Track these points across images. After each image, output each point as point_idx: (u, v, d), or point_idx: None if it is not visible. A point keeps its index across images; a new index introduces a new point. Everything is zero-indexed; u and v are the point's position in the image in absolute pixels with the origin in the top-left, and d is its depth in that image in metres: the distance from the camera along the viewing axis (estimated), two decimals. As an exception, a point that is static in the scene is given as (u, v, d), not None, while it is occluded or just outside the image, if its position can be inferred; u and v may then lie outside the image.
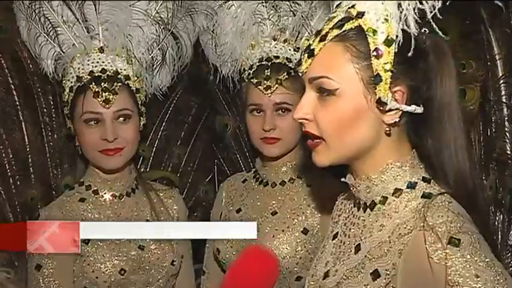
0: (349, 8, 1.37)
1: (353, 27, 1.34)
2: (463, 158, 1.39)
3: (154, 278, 2.13)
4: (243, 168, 2.63)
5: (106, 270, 2.05)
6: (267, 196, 2.19)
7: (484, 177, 2.07)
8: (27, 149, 2.36)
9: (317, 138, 1.39)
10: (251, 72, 2.17)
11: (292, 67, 2.13)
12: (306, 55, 1.40)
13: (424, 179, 1.39)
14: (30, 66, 2.28)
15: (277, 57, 2.16)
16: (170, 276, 2.19)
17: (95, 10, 2.13)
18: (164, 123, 2.65)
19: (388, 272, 1.31)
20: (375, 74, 1.32)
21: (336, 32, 1.36)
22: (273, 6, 2.21)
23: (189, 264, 2.33)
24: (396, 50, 1.31)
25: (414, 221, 1.32)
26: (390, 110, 1.33)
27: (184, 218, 2.34)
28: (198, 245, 2.43)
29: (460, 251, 1.23)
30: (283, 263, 2.05)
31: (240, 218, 2.20)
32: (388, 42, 1.31)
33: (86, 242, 2.07)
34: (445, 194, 1.35)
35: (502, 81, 2.04)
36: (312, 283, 1.54)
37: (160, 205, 2.25)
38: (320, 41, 1.37)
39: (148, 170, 2.60)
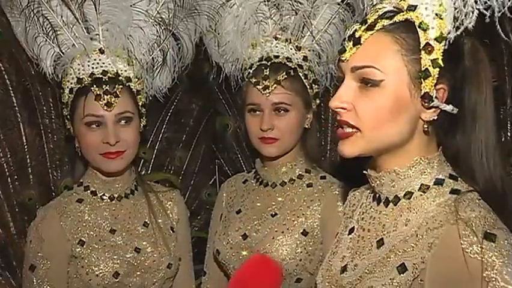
0: (400, 0, 1.36)
1: (403, 19, 1.34)
2: (494, 163, 1.39)
3: (149, 281, 2.11)
4: (244, 168, 2.62)
5: (100, 273, 2.03)
6: (267, 197, 2.19)
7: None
8: (26, 150, 2.35)
9: (352, 128, 1.37)
10: (251, 71, 2.16)
11: (293, 67, 2.13)
12: (350, 43, 1.37)
13: (451, 177, 1.39)
14: (29, 67, 2.25)
15: (277, 56, 2.15)
16: (166, 280, 2.17)
17: (96, 10, 2.10)
18: (165, 126, 2.65)
19: (416, 266, 1.30)
20: (423, 68, 1.31)
21: (385, 22, 1.34)
22: (275, 5, 2.20)
23: (189, 266, 2.31)
24: (445, 48, 1.31)
25: (445, 215, 1.31)
26: (431, 107, 1.34)
27: (185, 220, 2.32)
28: (202, 247, 2.43)
29: (496, 247, 1.22)
30: (283, 265, 2.04)
31: (240, 219, 2.18)
32: (440, 38, 1.31)
33: (81, 244, 2.06)
34: (473, 192, 1.35)
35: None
36: (328, 278, 1.52)
37: (159, 207, 2.23)
38: (367, 29, 1.36)
39: (149, 172, 2.59)
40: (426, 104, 1.33)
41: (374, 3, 1.43)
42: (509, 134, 2.05)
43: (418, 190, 1.38)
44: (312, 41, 2.21)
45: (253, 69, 2.16)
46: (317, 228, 2.07)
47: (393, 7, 1.36)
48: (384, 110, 1.33)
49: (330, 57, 2.23)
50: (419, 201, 1.37)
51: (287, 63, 2.14)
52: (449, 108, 1.34)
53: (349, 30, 1.41)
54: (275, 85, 2.08)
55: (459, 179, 1.39)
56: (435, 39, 1.31)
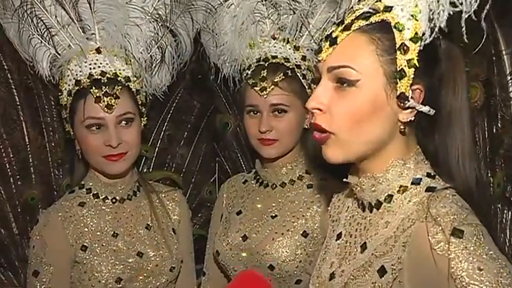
0: (376, 1, 1.36)
1: (379, 20, 1.33)
2: (470, 167, 1.38)
3: (152, 285, 2.11)
4: (244, 167, 2.61)
5: (102, 279, 2.03)
6: (267, 198, 2.17)
7: (490, 175, 2.05)
8: (28, 149, 2.35)
9: (325, 132, 1.36)
10: (249, 72, 2.14)
11: (290, 67, 2.10)
12: (327, 43, 1.37)
13: (429, 175, 1.39)
14: (32, 66, 2.21)
15: (275, 57, 2.13)
16: (169, 283, 2.16)
17: (91, 9, 2.06)
18: (166, 124, 2.63)
19: (394, 267, 1.30)
20: (399, 68, 1.31)
21: (361, 22, 1.34)
22: (272, 5, 2.16)
23: (190, 266, 2.30)
24: (420, 48, 1.30)
25: (417, 213, 1.31)
26: (407, 108, 1.33)
27: (186, 221, 2.30)
28: (203, 244, 2.43)
29: (463, 243, 1.21)
30: (282, 266, 2.03)
31: (240, 220, 2.17)
32: (415, 39, 1.30)
33: (84, 249, 2.05)
34: (449, 188, 1.34)
35: (509, 77, 2.02)
36: (318, 285, 1.52)
37: (161, 208, 2.22)
38: (344, 30, 1.35)
39: (150, 170, 2.58)
40: (402, 104, 1.32)
41: (352, 4, 1.42)
42: (499, 125, 2.03)
43: (397, 192, 1.38)
44: (311, 40, 2.17)
45: (251, 70, 2.13)
46: (317, 229, 2.05)
47: (370, 8, 1.35)
48: (360, 111, 1.32)
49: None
50: (398, 203, 1.37)
51: (285, 63, 2.11)
52: (425, 109, 1.33)
53: (327, 31, 1.41)
54: (273, 86, 2.06)
55: (436, 176, 1.38)
56: (411, 39, 1.30)
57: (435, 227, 1.24)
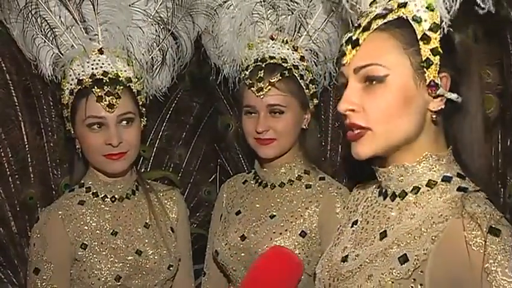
0: (388, 0, 1.39)
1: (396, 17, 1.37)
2: (481, 153, 1.44)
3: (150, 283, 2.12)
4: (246, 168, 2.62)
5: (102, 277, 2.04)
6: (266, 198, 2.18)
7: (501, 185, 2.03)
8: (27, 149, 2.36)
9: (362, 129, 1.38)
10: (247, 73, 2.15)
11: (288, 67, 2.11)
12: (349, 46, 1.40)
13: (459, 175, 1.41)
14: (30, 66, 2.23)
15: (272, 57, 2.14)
16: (167, 281, 2.18)
17: (94, 10, 2.08)
18: (165, 123, 2.65)
19: (418, 258, 1.32)
20: (424, 58, 1.34)
21: (379, 21, 1.37)
22: (271, 6, 2.18)
23: (188, 265, 2.31)
24: (441, 37, 1.33)
25: (451, 210, 1.33)
26: (437, 96, 1.36)
27: (184, 220, 2.32)
28: (201, 243, 2.45)
29: (500, 242, 1.24)
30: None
31: (239, 220, 2.18)
32: (435, 28, 1.34)
33: (83, 247, 2.07)
34: (480, 191, 1.37)
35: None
36: (327, 267, 1.54)
37: (159, 207, 2.24)
38: (363, 31, 1.39)
39: (148, 170, 2.60)
40: (433, 93, 1.35)
41: (363, 10, 1.46)
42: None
43: (425, 186, 1.40)
44: (309, 40, 2.19)
45: (249, 70, 2.14)
46: (315, 229, 2.06)
47: (384, 9, 1.38)
48: (393, 104, 1.35)
49: (328, 57, 2.22)
50: (426, 197, 1.39)
51: (282, 64, 2.12)
52: (454, 96, 1.36)
53: (344, 37, 1.44)
54: (269, 87, 2.07)
55: (466, 178, 1.41)
56: (430, 29, 1.34)
57: (472, 223, 1.26)
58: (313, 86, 2.17)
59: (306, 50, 2.20)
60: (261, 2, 2.19)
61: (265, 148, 2.10)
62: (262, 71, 2.10)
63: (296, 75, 2.13)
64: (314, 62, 2.21)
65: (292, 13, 2.16)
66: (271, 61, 2.13)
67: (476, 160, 1.42)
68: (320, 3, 2.16)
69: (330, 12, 2.16)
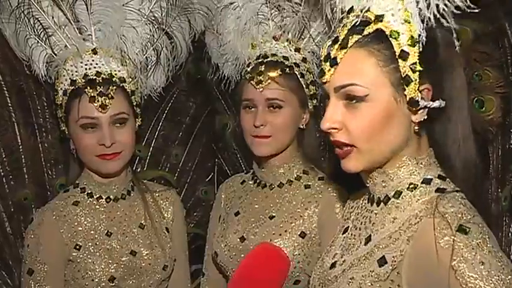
0: (365, 11, 1.37)
1: (372, 31, 1.35)
2: (469, 147, 1.42)
3: (145, 283, 2.12)
4: (244, 168, 2.61)
5: (96, 278, 2.03)
6: (265, 199, 2.17)
7: (499, 189, 2.04)
8: (21, 149, 2.35)
9: (347, 146, 1.39)
10: (248, 69, 2.15)
11: (289, 65, 2.12)
12: (327, 64, 1.39)
13: (440, 177, 1.42)
14: (23, 67, 2.23)
15: (274, 55, 2.14)
16: (162, 281, 2.18)
17: (87, 10, 2.08)
18: (161, 123, 2.64)
19: (395, 259, 1.34)
20: (403, 75, 1.33)
21: (356, 37, 1.36)
22: (276, 7, 2.19)
23: (184, 266, 2.31)
24: (420, 49, 1.32)
25: (425, 211, 1.35)
26: (419, 109, 1.35)
27: (180, 220, 2.32)
28: (199, 243, 2.45)
29: (468, 239, 1.24)
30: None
31: (238, 221, 2.17)
32: (412, 43, 1.32)
33: (77, 248, 2.06)
34: (459, 192, 1.37)
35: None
36: (318, 274, 1.57)
37: (155, 207, 2.23)
38: (341, 48, 1.37)
39: (145, 169, 2.59)
40: (413, 109, 1.35)
41: (340, 17, 1.44)
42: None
43: (407, 189, 1.41)
44: (312, 42, 2.20)
45: (250, 67, 2.15)
46: (315, 230, 2.06)
47: (361, 20, 1.37)
48: (374, 122, 1.35)
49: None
50: (407, 200, 1.40)
51: (284, 61, 2.13)
52: (436, 104, 1.36)
53: (323, 49, 1.43)
54: (269, 81, 2.07)
55: (447, 179, 1.41)
56: (409, 44, 1.32)
57: (442, 222, 1.27)
58: (314, 87, 2.17)
59: (309, 52, 2.20)
60: (266, 3, 2.20)
61: (261, 146, 2.09)
62: (263, 66, 2.10)
63: (297, 73, 2.13)
64: (316, 64, 2.20)
65: (297, 15, 2.16)
66: (273, 58, 2.13)
67: (461, 159, 1.42)
68: (322, 8, 2.17)
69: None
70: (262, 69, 2.09)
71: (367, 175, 1.47)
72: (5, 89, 2.31)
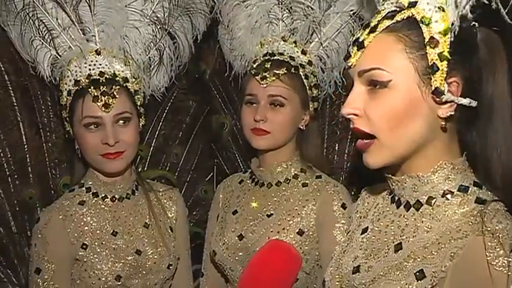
0: None
1: (405, 17, 1.31)
2: (511, 155, 1.34)
3: (150, 282, 2.14)
4: (242, 167, 2.63)
5: (102, 277, 2.05)
6: (263, 197, 2.19)
7: None
8: (26, 149, 2.38)
9: (368, 137, 1.34)
10: (254, 65, 2.18)
11: (294, 65, 2.14)
12: (355, 48, 1.35)
13: (475, 184, 1.35)
14: (28, 67, 2.24)
15: (281, 54, 2.17)
16: (167, 280, 2.20)
17: (91, 12, 2.10)
18: (161, 123, 2.66)
19: (435, 274, 1.27)
20: (430, 63, 1.28)
21: (386, 22, 1.32)
22: (287, 9, 2.22)
23: (187, 265, 2.33)
24: (451, 39, 1.27)
25: (470, 226, 1.28)
26: (445, 102, 1.29)
27: (183, 219, 2.34)
28: (198, 241, 2.46)
29: None
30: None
31: (236, 219, 2.19)
32: (444, 31, 1.27)
33: (84, 247, 2.08)
34: (499, 202, 1.31)
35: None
36: (338, 277, 1.49)
37: (159, 207, 2.25)
38: (370, 32, 1.34)
39: (145, 169, 2.61)
40: (437, 100, 1.29)
41: (378, 8, 1.40)
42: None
43: (441, 196, 1.34)
44: (319, 47, 2.23)
45: (256, 63, 2.17)
46: (313, 227, 2.07)
47: (395, 7, 1.34)
48: (396, 111, 1.30)
49: (335, 65, 2.26)
50: (443, 208, 1.34)
51: (290, 61, 2.15)
52: (465, 101, 1.29)
53: (353, 36, 1.39)
54: (274, 78, 2.10)
55: (483, 186, 1.35)
56: (440, 32, 1.27)
57: (494, 241, 1.21)
58: (317, 90, 2.19)
59: (315, 55, 2.23)
60: (278, 3, 2.23)
61: (259, 139, 2.11)
62: (270, 63, 2.13)
63: (301, 74, 2.15)
64: (321, 68, 2.24)
65: (307, 18, 2.19)
66: (280, 57, 2.16)
67: (502, 166, 1.34)
68: (334, 14, 2.21)
69: (343, 24, 2.21)
70: (268, 66, 2.12)
71: (395, 179, 1.40)
72: (10, 89, 2.33)
